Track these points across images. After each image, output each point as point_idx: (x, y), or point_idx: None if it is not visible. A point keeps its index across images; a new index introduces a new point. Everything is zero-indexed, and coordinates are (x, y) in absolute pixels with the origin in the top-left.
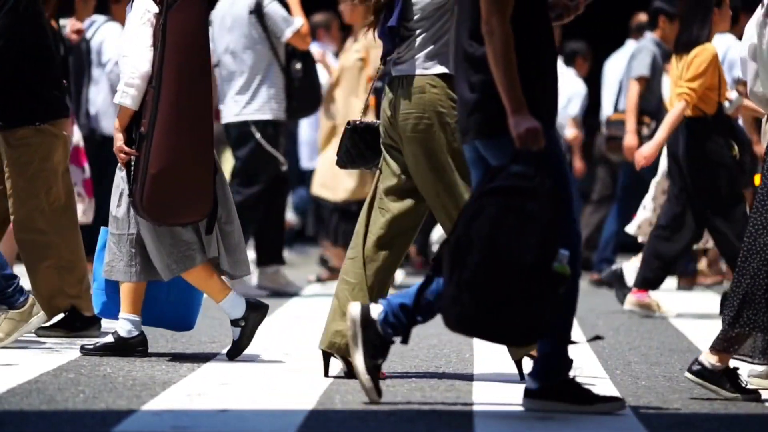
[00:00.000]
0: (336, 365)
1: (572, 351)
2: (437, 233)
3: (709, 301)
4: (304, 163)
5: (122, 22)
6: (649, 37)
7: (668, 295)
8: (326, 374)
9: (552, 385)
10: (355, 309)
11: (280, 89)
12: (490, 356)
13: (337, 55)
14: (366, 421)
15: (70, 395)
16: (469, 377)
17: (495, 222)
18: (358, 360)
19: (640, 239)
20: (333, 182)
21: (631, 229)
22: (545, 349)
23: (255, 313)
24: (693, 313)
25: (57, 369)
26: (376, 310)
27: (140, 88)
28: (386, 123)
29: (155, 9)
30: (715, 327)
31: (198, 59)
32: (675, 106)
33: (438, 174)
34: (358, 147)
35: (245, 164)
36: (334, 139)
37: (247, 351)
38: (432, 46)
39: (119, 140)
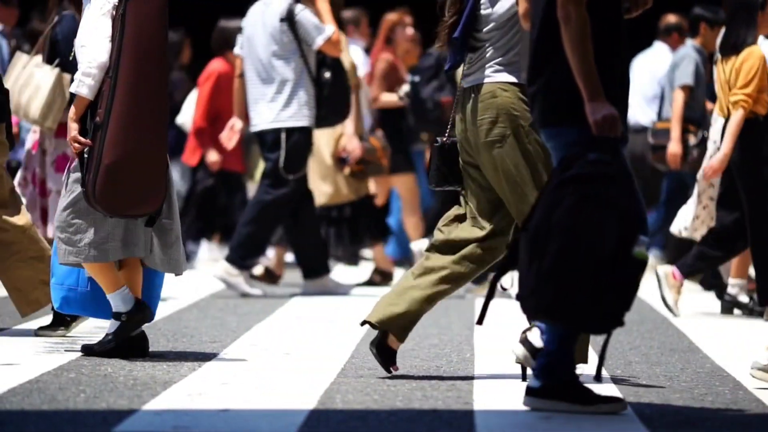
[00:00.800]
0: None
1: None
2: (416, 245)
3: (710, 301)
4: None
5: None
6: (690, 45)
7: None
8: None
9: (554, 384)
10: (519, 350)
11: (312, 97)
12: (491, 356)
13: (367, 51)
14: (367, 421)
15: (71, 395)
16: (470, 377)
17: (575, 210)
18: None
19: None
20: None
21: (674, 229)
22: (551, 347)
23: (139, 314)
24: (694, 312)
25: (58, 368)
26: (536, 337)
27: (97, 78)
28: (462, 138)
29: (115, 0)
30: (716, 326)
31: (156, 52)
32: (734, 115)
33: (513, 177)
34: (449, 164)
35: (276, 165)
36: None
37: (248, 351)
38: (502, 57)
39: (74, 130)
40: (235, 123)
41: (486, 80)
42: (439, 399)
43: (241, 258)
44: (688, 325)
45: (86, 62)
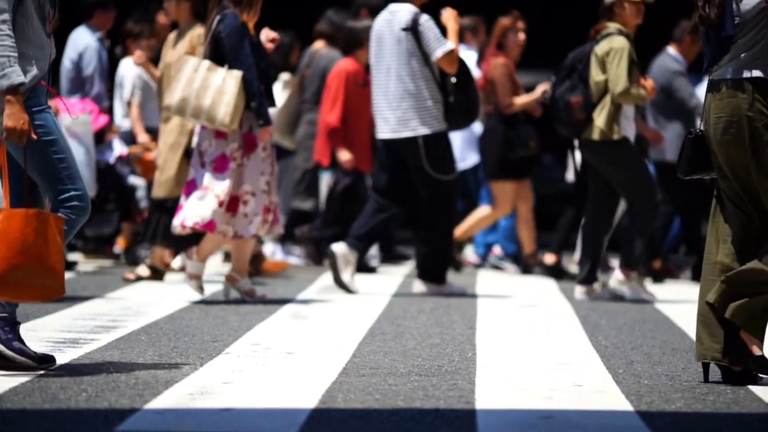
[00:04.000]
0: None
1: (576, 351)
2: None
3: None
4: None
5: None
6: None
7: (666, 293)
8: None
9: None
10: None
11: (439, 103)
12: (492, 355)
13: (480, 56)
14: (368, 420)
15: (73, 394)
16: (472, 376)
17: None
18: None
19: None
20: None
21: None
22: None
23: None
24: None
25: (59, 368)
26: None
27: None
28: (706, 128)
29: None
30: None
31: None
32: None
33: (742, 178)
34: (700, 153)
35: (430, 182)
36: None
37: (250, 350)
38: (747, 52)
39: None
40: None
41: (729, 76)
42: (440, 398)
43: (436, 274)
44: (690, 324)
45: None
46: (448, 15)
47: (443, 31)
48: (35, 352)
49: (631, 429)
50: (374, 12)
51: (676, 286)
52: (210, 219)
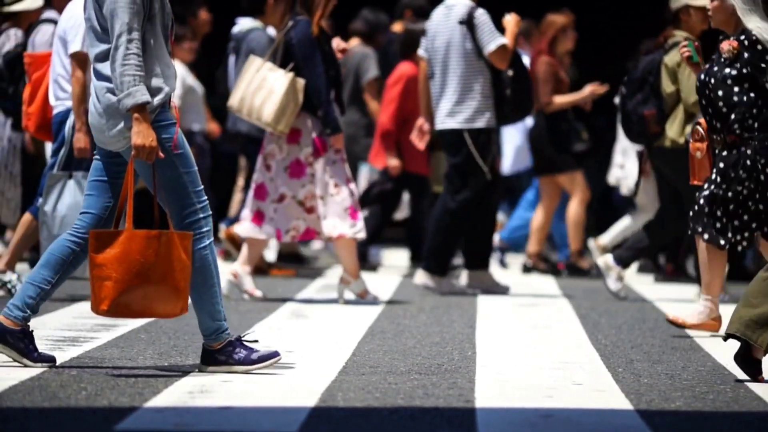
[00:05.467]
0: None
1: (575, 350)
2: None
3: None
4: (506, 169)
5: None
6: None
7: (666, 293)
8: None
9: None
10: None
11: (490, 97)
12: (492, 354)
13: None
14: (368, 418)
15: (73, 392)
16: (472, 375)
17: None
18: None
19: None
20: None
21: None
22: None
23: None
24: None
25: (59, 366)
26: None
27: None
28: None
29: None
30: None
31: None
32: None
33: None
34: None
35: (457, 171)
36: None
37: None
38: None
39: None
40: (424, 124)
41: None
42: (440, 397)
43: (438, 266)
44: None
45: None
46: (510, 18)
47: (502, 31)
48: (39, 354)
49: (630, 428)
50: (418, 13)
51: (676, 286)
52: (305, 228)
